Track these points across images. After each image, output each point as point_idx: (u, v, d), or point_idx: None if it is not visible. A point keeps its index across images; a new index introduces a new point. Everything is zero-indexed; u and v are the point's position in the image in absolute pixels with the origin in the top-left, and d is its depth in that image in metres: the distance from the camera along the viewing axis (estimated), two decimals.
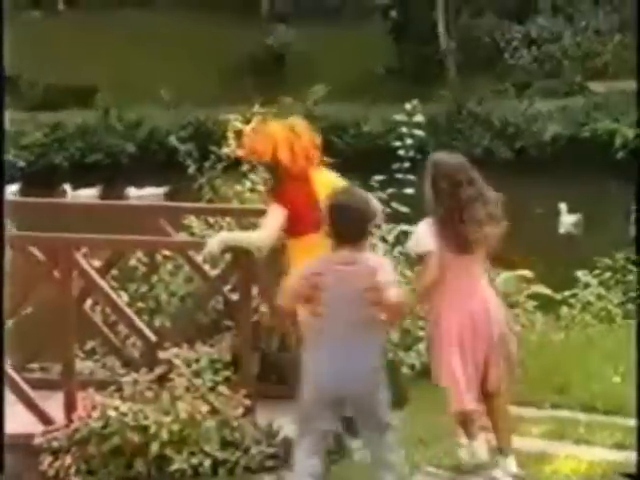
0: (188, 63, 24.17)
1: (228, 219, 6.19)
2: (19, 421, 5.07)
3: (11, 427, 4.47)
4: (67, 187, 18.70)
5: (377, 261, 4.40)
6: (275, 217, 5.07)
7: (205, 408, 4.99)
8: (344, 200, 4.38)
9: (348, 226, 4.33)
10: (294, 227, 5.09)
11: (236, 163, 6.39)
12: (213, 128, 19.22)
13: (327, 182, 5.08)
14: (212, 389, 5.08)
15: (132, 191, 18.89)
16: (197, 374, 5.11)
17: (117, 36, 25.45)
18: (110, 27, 25.78)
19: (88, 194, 18.73)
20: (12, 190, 17.58)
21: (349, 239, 4.32)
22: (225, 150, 6.47)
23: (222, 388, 5.09)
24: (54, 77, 22.99)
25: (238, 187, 6.38)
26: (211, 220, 6.20)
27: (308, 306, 4.36)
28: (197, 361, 5.17)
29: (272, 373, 5.57)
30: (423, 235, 4.83)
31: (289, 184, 5.11)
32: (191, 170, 6.99)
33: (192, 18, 26.33)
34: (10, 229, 5.79)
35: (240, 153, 5.66)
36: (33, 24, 25.80)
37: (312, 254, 4.60)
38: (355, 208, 4.34)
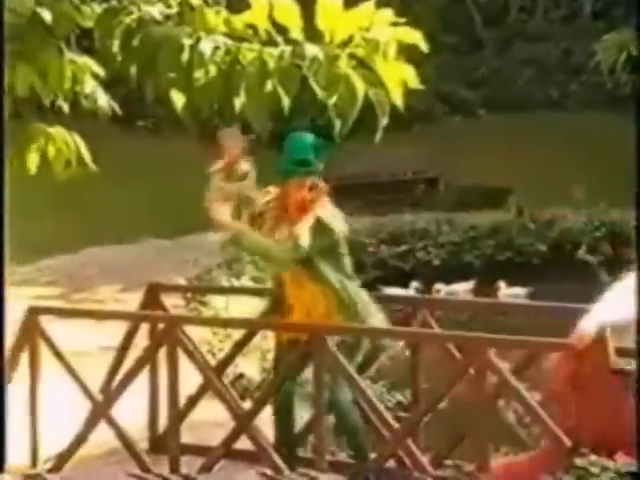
0: (598, 160, 23.95)
1: None
2: None
3: None
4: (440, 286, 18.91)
5: None
6: None
7: None
8: None
9: None
10: None
11: None
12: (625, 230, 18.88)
13: None
14: None
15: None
16: None
17: (532, 137, 25.75)
18: (525, 128, 26.14)
19: (464, 288, 18.84)
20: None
21: None
22: None
23: None
24: (470, 179, 23.57)
25: None
26: None
27: None
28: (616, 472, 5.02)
29: None
30: None
31: None
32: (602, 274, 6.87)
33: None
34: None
35: None
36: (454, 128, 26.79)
37: None
38: None
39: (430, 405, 5.68)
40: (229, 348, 6.79)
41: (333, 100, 3.62)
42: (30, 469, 6.01)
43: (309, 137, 6.03)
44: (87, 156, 4.82)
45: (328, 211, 5.86)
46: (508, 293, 18.41)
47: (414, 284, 18.23)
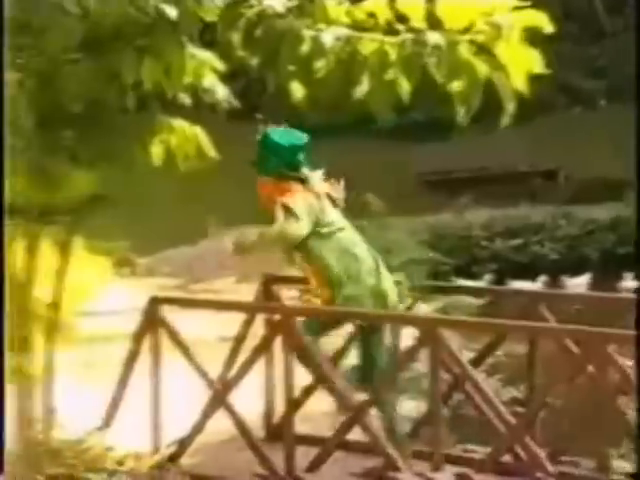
0: None
1: None
2: None
3: None
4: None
5: None
6: None
7: None
8: None
9: None
10: None
11: None
12: None
13: None
14: None
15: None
16: None
17: None
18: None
19: (580, 282, 18.56)
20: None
21: None
22: None
23: None
24: (589, 171, 23.16)
25: None
26: None
27: None
28: None
29: None
30: None
31: None
32: None
33: None
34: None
35: None
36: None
37: None
38: None
39: (547, 400, 5.62)
40: (343, 339, 6.81)
41: (455, 88, 3.60)
42: (152, 456, 6.12)
43: (275, 135, 6.15)
44: (208, 149, 4.88)
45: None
46: (622, 286, 18.12)
47: (542, 278, 18.07)
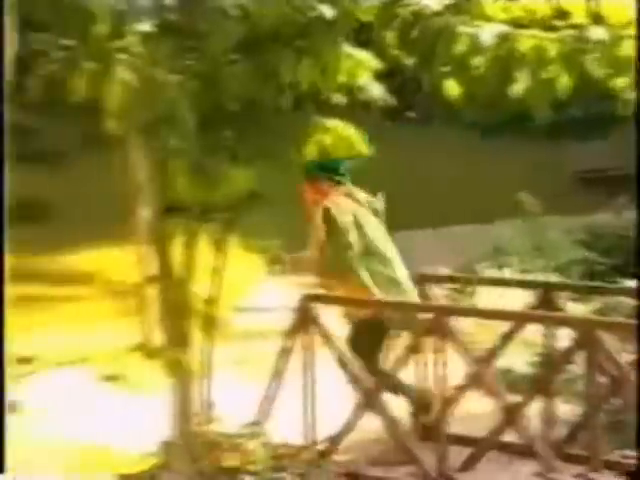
0: None
1: None
2: None
3: None
4: None
5: None
6: None
7: None
8: None
9: None
10: None
11: None
12: None
13: None
14: None
15: None
16: None
17: None
18: None
19: None
20: None
21: None
22: None
23: None
24: None
25: None
26: None
27: None
28: None
29: None
30: None
31: None
32: None
33: None
34: None
35: None
36: None
37: None
38: None
39: None
40: (495, 340, 6.73)
41: (619, 84, 3.53)
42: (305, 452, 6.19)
43: None
44: (362, 148, 4.90)
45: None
46: None
47: None
